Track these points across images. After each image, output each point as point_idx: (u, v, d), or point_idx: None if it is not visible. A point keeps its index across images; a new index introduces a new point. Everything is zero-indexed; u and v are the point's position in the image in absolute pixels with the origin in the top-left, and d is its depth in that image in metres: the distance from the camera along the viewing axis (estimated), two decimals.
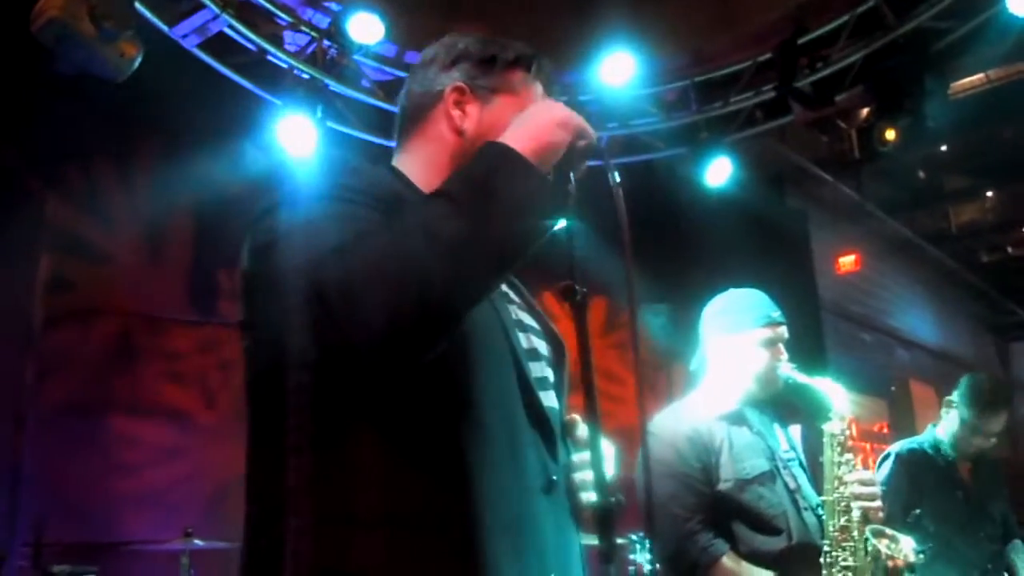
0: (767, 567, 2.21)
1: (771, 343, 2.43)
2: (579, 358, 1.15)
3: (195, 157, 5.06)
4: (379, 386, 1.11)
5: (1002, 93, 9.69)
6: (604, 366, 5.88)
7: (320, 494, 1.10)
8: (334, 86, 5.28)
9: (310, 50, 5.25)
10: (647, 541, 4.34)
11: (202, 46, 4.78)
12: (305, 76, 5.16)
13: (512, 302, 1.41)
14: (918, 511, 3.22)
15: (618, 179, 1.17)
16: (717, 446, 2.32)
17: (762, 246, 7.26)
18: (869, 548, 2.20)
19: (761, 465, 2.32)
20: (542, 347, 1.40)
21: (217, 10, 4.60)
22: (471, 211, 1.07)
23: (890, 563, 2.19)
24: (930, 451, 3.45)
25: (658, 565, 4.34)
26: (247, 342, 1.24)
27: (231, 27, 4.80)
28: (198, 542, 4.02)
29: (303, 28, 5.23)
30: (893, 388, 10.60)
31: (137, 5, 4.24)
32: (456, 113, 1.38)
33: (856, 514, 2.23)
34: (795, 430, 2.54)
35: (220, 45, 4.89)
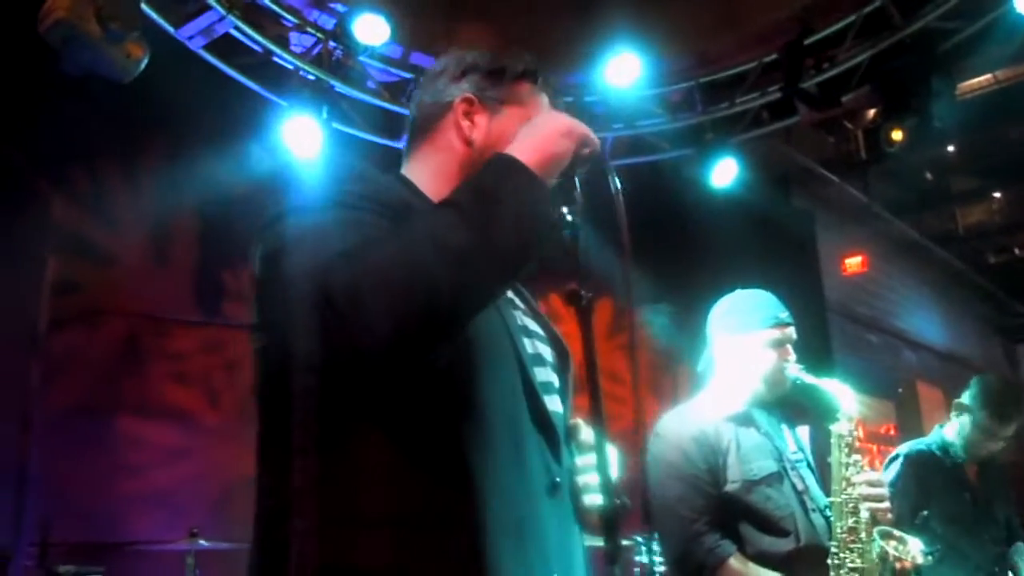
0: (774, 568, 2.20)
1: (779, 344, 2.42)
2: (584, 361, 1.18)
3: (201, 158, 5.07)
4: (385, 388, 1.13)
5: (1009, 94, 9.67)
6: (610, 368, 5.85)
7: (326, 494, 1.12)
8: (340, 87, 5.29)
9: (316, 51, 5.26)
10: (652, 542, 4.33)
11: (208, 47, 4.79)
12: (311, 77, 5.17)
13: (517, 308, 1.43)
14: (926, 512, 3.21)
15: (619, 185, 1.20)
16: (724, 447, 2.31)
17: (768, 247, 7.24)
18: (877, 550, 2.19)
19: (769, 466, 2.31)
20: (547, 352, 1.42)
21: (223, 11, 4.61)
22: (478, 221, 1.10)
23: (898, 565, 2.18)
24: (938, 452, 3.43)
25: (665, 567, 4.34)
26: (256, 345, 1.26)
27: (237, 28, 4.81)
28: (203, 542, 4.02)
29: (309, 29, 5.24)
30: (900, 390, 10.56)
31: (143, 6, 4.25)
32: (465, 123, 1.41)
33: (864, 515, 2.21)
34: (803, 431, 2.53)
35: (226, 46, 4.90)
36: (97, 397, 4.91)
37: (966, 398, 3.41)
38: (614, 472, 1.28)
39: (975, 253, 14.03)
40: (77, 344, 4.94)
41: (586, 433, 1.38)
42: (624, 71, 5.59)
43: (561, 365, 1.45)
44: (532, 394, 1.30)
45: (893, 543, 2.20)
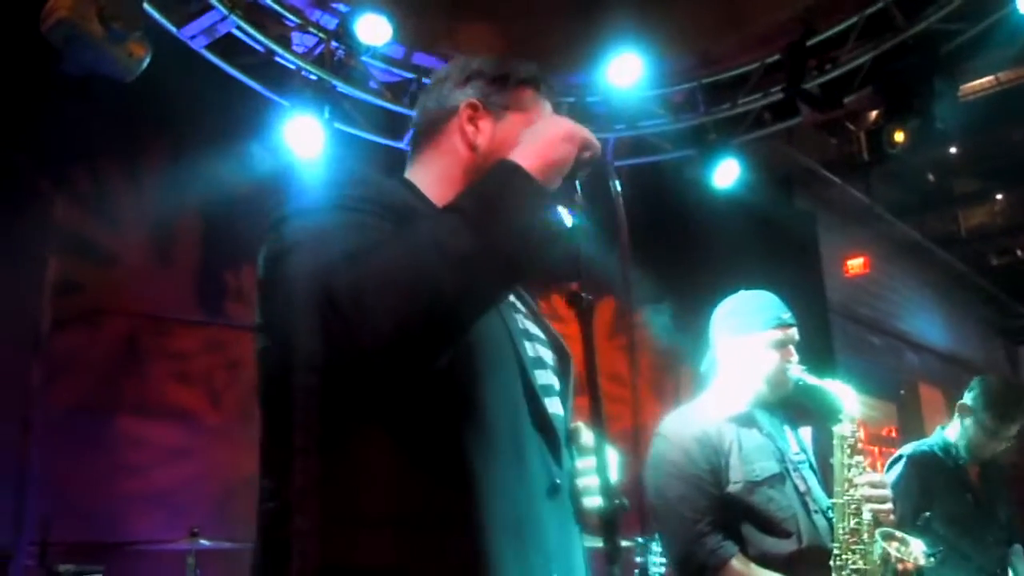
0: (776, 570, 2.19)
1: (781, 345, 2.42)
2: (585, 363, 1.20)
3: (202, 158, 5.07)
4: (388, 389, 1.14)
5: (1012, 95, 9.66)
6: (612, 368, 5.87)
7: (327, 495, 1.13)
8: (342, 87, 5.29)
9: (318, 51, 5.26)
10: (653, 542, 4.33)
11: (210, 47, 4.79)
12: (313, 77, 5.17)
13: (519, 311, 1.44)
14: (928, 514, 3.20)
15: (619, 188, 1.23)
16: (726, 448, 2.31)
17: (770, 248, 7.24)
18: (879, 551, 2.18)
19: (771, 467, 2.30)
20: (547, 355, 1.44)
21: (225, 11, 4.61)
22: (481, 227, 1.11)
23: (900, 566, 2.17)
24: (940, 454, 3.43)
25: (666, 567, 4.34)
26: (261, 345, 1.27)
27: (239, 28, 4.81)
28: (204, 542, 4.02)
29: (311, 29, 5.25)
30: (902, 391, 10.56)
31: (146, 6, 4.25)
32: (470, 128, 1.43)
33: (867, 516, 2.21)
34: (805, 432, 2.53)
35: (228, 46, 4.90)
36: (98, 397, 4.91)
37: (968, 399, 3.40)
38: (614, 474, 1.29)
39: (977, 255, 14.02)
40: (78, 344, 4.94)
41: (587, 436, 1.39)
42: (626, 71, 5.59)
43: (562, 368, 1.46)
44: (533, 397, 1.31)
45: (895, 544, 2.19)
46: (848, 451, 2.30)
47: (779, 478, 2.30)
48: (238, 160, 5.23)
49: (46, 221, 4.87)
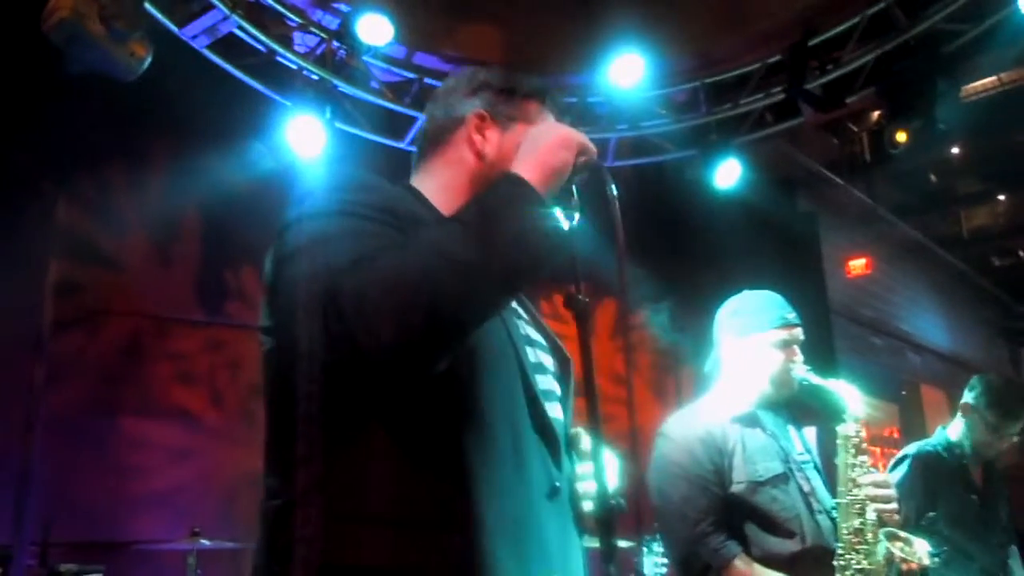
0: (780, 570, 2.19)
1: (786, 345, 2.41)
2: (582, 366, 1.22)
3: (204, 157, 5.07)
4: (389, 392, 1.18)
5: (1014, 96, 9.64)
6: (614, 369, 5.86)
7: (330, 494, 1.15)
8: (343, 87, 5.29)
9: (319, 51, 5.26)
10: (653, 543, 4.33)
11: (212, 47, 4.79)
12: (314, 77, 5.17)
13: (520, 317, 1.47)
14: (933, 514, 3.19)
15: (616, 191, 1.26)
16: (730, 448, 2.31)
17: (772, 249, 7.23)
18: (883, 551, 2.17)
19: (775, 467, 2.30)
20: (548, 361, 1.47)
21: (227, 11, 4.60)
22: (484, 237, 1.14)
23: (904, 566, 2.17)
24: (944, 454, 3.42)
25: (669, 566, 4.33)
26: (267, 347, 1.30)
27: (240, 28, 4.80)
28: (205, 542, 4.02)
29: (312, 29, 5.24)
30: (904, 392, 10.55)
31: (147, 6, 4.25)
32: (478, 138, 1.46)
33: (871, 517, 2.20)
34: (810, 432, 2.52)
35: (229, 46, 4.90)
36: (100, 397, 4.91)
37: (971, 398, 3.39)
38: (614, 478, 1.33)
39: (979, 256, 14.02)
40: (80, 345, 4.94)
41: (587, 442, 1.41)
42: (628, 72, 5.58)
43: (562, 374, 1.49)
44: (533, 401, 1.34)
45: (899, 544, 2.19)
46: (852, 451, 2.29)
47: (783, 478, 2.29)
48: (239, 160, 5.23)
49: (47, 222, 4.87)
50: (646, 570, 4.30)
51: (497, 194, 1.20)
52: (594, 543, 1.15)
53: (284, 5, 5.13)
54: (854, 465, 2.28)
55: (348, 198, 1.25)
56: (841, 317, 9.26)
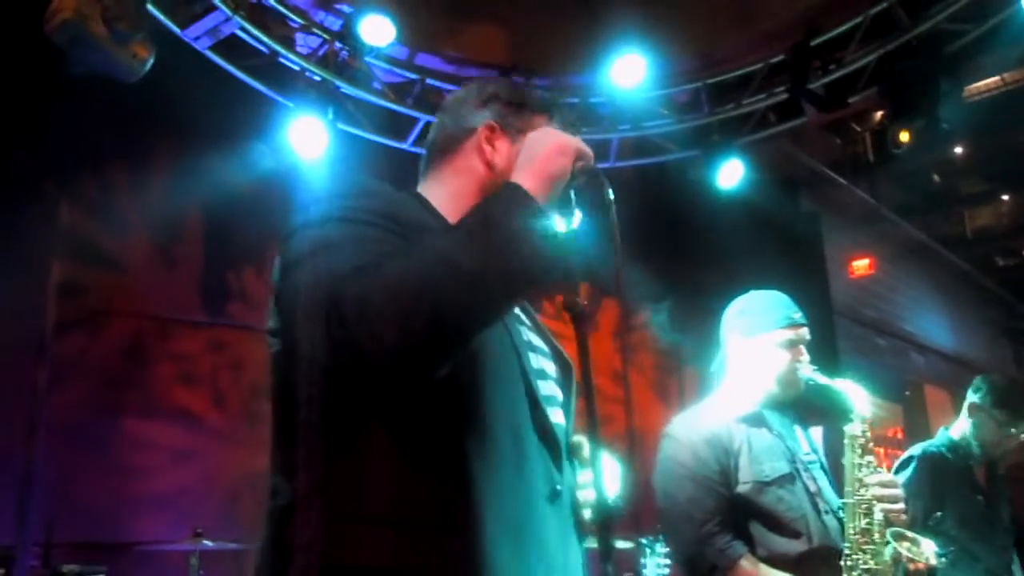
0: (786, 570, 2.18)
1: (792, 344, 2.41)
2: (580, 369, 1.26)
3: (206, 159, 5.08)
4: (391, 395, 1.19)
5: (1018, 96, 9.62)
6: (615, 369, 5.85)
7: (332, 495, 1.17)
8: (345, 88, 5.29)
9: (322, 52, 5.26)
10: (657, 544, 4.33)
11: (214, 48, 4.79)
12: (316, 78, 5.18)
13: (523, 323, 1.50)
14: (940, 514, 3.18)
15: (612, 196, 1.29)
16: (736, 448, 2.30)
17: (775, 249, 7.22)
18: (890, 551, 2.17)
19: (781, 467, 2.29)
20: (550, 367, 1.49)
21: (229, 12, 4.61)
22: (484, 245, 1.16)
23: (911, 566, 2.16)
24: (949, 454, 3.41)
25: (672, 567, 4.33)
26: (274, 349, 1.33)
27: (243, 29, 4.81)
28: (207, 543, 4.02)
29: (315, 30, 5.25)
30: (907, 393, 10.53)
31: (149, 7, 4.26)
32: (488, 148, 1.49)
33: (878, 517, 2.19)
34: (816, 432, 2.52)
35: (232, 47, 4.90)
36: (102, 398, 4.91)
37: (977, 398, 3.39)
38: (614, 482, 1.35)
39: (983, 256, 14.00)
40: (83, 346, 4.94)
41: (588, 450, 1.42)
42: (630, 72, 5.58)
43: (564, 379, 1.51)
44: (535, 406, 1.35)
45: (906, 544, 2.18)
46: (859, 451, 2.28)
47: (789, 478, 2.29)
48: (241, 160, 5.24)
49: (50, 223, 4.88)
50: (648, 571, 4.29)
51: (497, 202, 1.23)
52: (594, 544, 1.17)
53: (286, 6, 5.13)
54: (861, 465, 2.27)
55: (352, 204, 1.27)
56: (844, 318, 9.25)
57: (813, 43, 5.46)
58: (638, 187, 7.01)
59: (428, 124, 5.69)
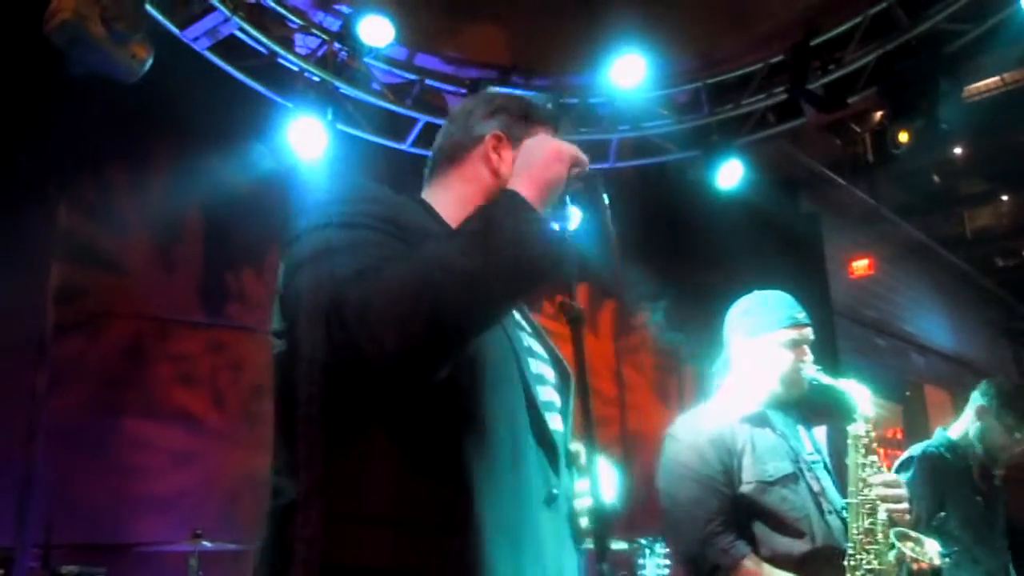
0: (790, 570, 2.18)
1: (796, 344, 2.41)
2: (576, 373, 1.29)
3: (205, 159, 5.07)
4: (390, 397, 1.22)
5: (1017, 96, 9.61)
6: (615, 371, 5.85)
7: (332, 495, 1.19)
8: (344, 89, 5.29)
9: (321, 53, 5.26)
10: (657, 544, 4.33)
11: (213, 49, 4.79)
12: (315, 79, 5.17)
13: (523, 329, 1.52)
14: (943, 514, 3.18)
15: (608, 200, 1.33)
16: (739, 448, 2.30)
17: (775, 250, 7.23)
18: (894, 551, 2.16)
19: (784, 467, 2.29)
20: (549, 373, 1.51)
21: (228, 13, 4.60)
22: (483, 250, 1.19)
23: (915, 566, 2.15)
24: (947, 454, 3.40)
25: (673, 567, 4.33)
26: (277, 350, 1.35)
27: (242, 30, 4.81)
28: (207, 544, 4.02)
29: (314, 31, 5.24)
30: (907, 393, 10.53)
31: (148, 8, 4.25)
32: (494, 156, 1.53)
33: (881, 517, 2.19)
34: (820, 432, 2.51)
35: (231, 48, 4.90)
36: (102, 400, 4.90)
37: (985, 402, 3.38)
38: (610, 485, 1.39)
39: (983, 256, 14.00)
40: (82, 348, 4.94)
41: (586, 457, 1.44)
42: (629, 72, 5.58)
43: (563, 386, 1.53)
44: (534, 411, 1.38)
45: (910, 544, 2.17)
46: (863, 451, 2.27)
47: (792, 478, 2.29)
48: (240, 161, 5.24)
49: (49, 225, 4.87)
50: (648, 571, 4.30)
51: (496, 207, 1.26)
52: (590, 545, 1.20)
53: (285, 7, 5.13)
54: (864, 465, 2.26)
55: (354, 209, 1.29)
56: (844, 318, 9.25)
57: (812, 43, 5.46)
58: (638, 187, 7.01)
59: (427, 125, 5.69)
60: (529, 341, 1.50)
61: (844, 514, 2.28)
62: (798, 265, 7.61)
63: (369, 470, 1.21)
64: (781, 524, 2.23)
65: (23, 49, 4.16)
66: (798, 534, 2.22)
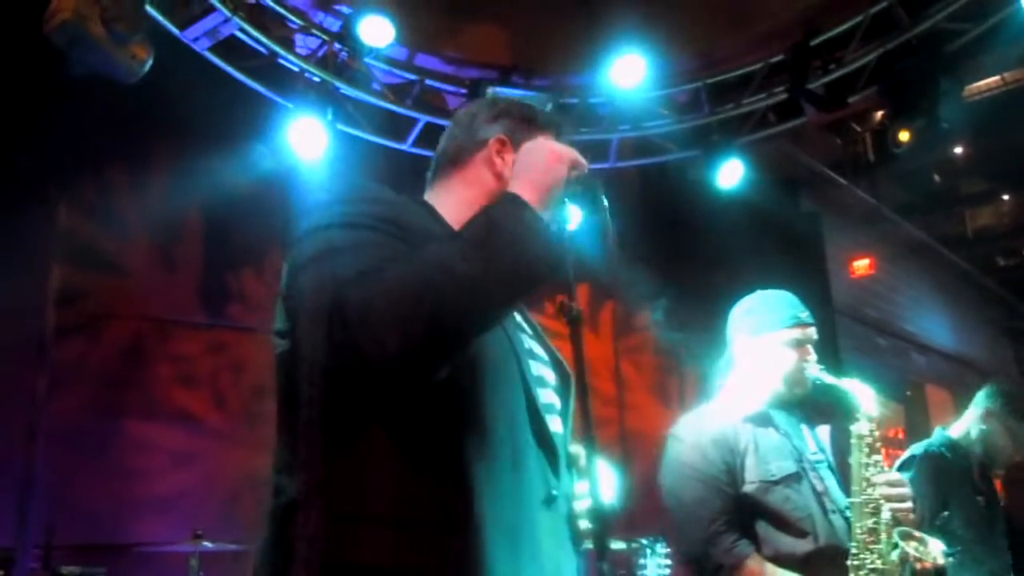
0: (793, 569, 2.18)
1: (799, 344, 2.40)
2: (576, 374, 1.30)
3: (205, 160, 5.07)
4: (390, 398, 1.23)
5: (1018, 95, 9.61)
6: (617, 371, 5.85)
7: (332, 494, 1.20)
8: (345, 89, 5.29)
9: (321, 53, 5.26)
10: (658, 544, 4.33)
11: (213, 49, 4.79)
12: (316, 79, 5.17)
13: (524, 332, 1.54)
14: (947, 513, 3.17)
15: (607, 202, 1.35)
16: (742, 448, 2.30)
17: (776, 249, 7.22)
18: (897, 551, 2.16)
19: (787, 467, 2.29)
20: (549, 376, 1.53)
21: (228, 13, 4.60)
22: (484, 252, 1.21)
23: (918, 566, 2.14)
24: (947, 454, 3.40)
25: (674, 567, 4.32)
26: (279, 349, 1.36)
27: (242, 30, 4.80)
28: (207, 544, 4.02)
29: (314, 31, 5.24)
30: (908, 393, 10.52)
31: (148, 8, 4.25)
32: (498, 160, 1.54)
33: (885, 516, 2.18)
34: (824, 431, 2.51)
35: (231, 48, 4.90)
36: (102, 401, 4.91)
37: (991, 405, 3.37)
38: (610, 486, 1.39)
39: (984, 256, 13.99)
40: (83, 349, 4.94)
41: (585, 460, 1.45)
42: (630, 72, 5.57)
43: (563, 388, 1.54)
44: (534, 412, 1.39)
45: (914, 544, 2.16)
46: (866, 450, 2.26)
47: (796, 477, 2.28)
48: (241, 161, 5.23)
49: (50, 227, 4.87)
50: (648, 571, 4.29)
51: (496, 210, 1.28)
52: (590, 545, 1.22)
53: (285, 7, 5.13)
54: (868, 464, 2.25)
55: (357, 210, 1.30)
56: (845, 317, 9.24)
57: (813, 43, 5.45)
58: (638, 187, 7.01)
59: (427, 125, 5.69)
60: (530, 343, 1.52)
61: (848, 514, 2.27)
62: (799, 265, 7.60)
63: (369, 470, 1.22)
64: (784, 524, 2.23)
65: (23, 49, 4.16)
66: (801, 534, 2.22)
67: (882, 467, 2.25)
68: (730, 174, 5.88)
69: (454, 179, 1.57)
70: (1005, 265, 14.45)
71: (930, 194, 13.24)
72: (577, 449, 1.48)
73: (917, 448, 3.44)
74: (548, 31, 5.71)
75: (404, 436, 1.23)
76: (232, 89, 4.99)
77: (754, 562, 2.19)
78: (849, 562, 2.19)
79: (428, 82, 5.78)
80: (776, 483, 2.26)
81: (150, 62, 4.13)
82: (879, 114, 6.01)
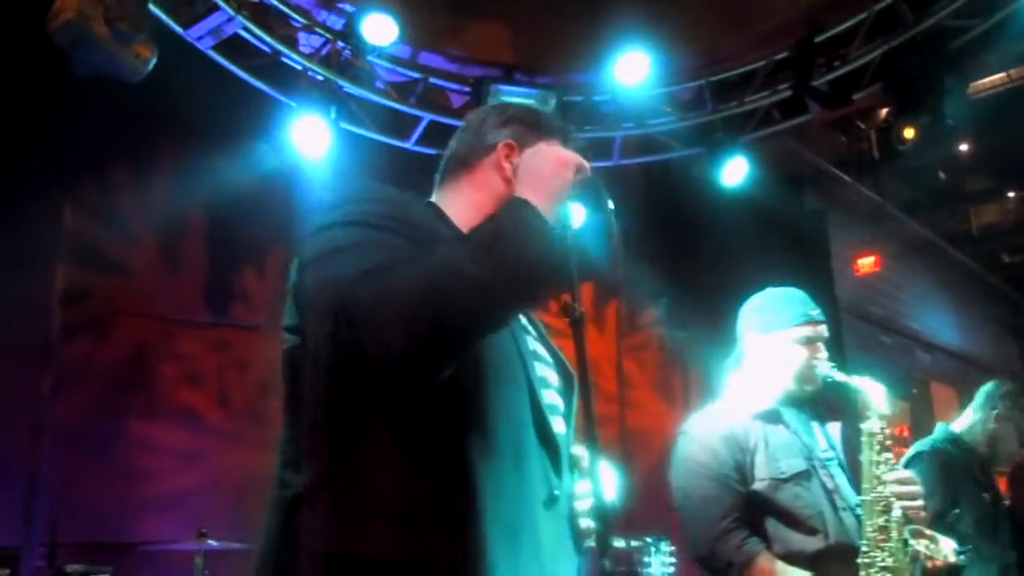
0: (803, 567, 2.18)
1: (809, 341, 2.40)
2: (578, 375, 1.33)
3: (209, 158, 5.07)
4: (394, 395, 1.24)
5: (1023, 92, 9.58)
6: (620, 370, 5.84)
7: (335, 489, 1.22)
8: (348, 87, 5.29)
9: (324, 52, 5.26)
10: (662, 543, 4.33)
11: (217, 48, 4.79)
12: (319, 78, 5.17)
13: (529, 334, 1.55)
14: (958, 511, 3.16)
15: (612, 204, 1.37)
16: (752, 445, 2.29)
17: (780, 247, 7.20)
18: (908, 549, 2.15)
19: (798, 464, 2.29)
20: (553, 377, 1.54)
21: (231, 12, 4.61)
22: (490, 255, 1.22)
23: (929, 564, 2.14)
24: (951, 450, 3.39)
25: (680, 565, 4.32)
26: (287, 345, 1.38)
27: (245, 29, 4.81)
28: (212, 542, 4.03)
29: (317, 30, 5.25)
30: (914, 391, 10.50)
31: (152, 7, 4.25)
32: (506, 164, 1.56)
33: (896, 514, 2.17)
34: (835, 428, 2.50)
35: (235, 47, 4.90)
36: (107, 401, 4.92)
37: (1003, 407, 3.36)
38: (612, 486, 1.38)
39: (989, 253, 13.95)
40: (88, 349, 4.95)
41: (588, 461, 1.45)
42: (633, 70, 5.57)
43: (566, 390, 1.55)
44: (538, 413, 1.40)
45: (925, 542, 2.16)
46: (877, 448, 2.25)
47: (806, 475, 2.28)
48: (244, 160, 5.24)
49: (54, 227, 4.87)
50: (653, 569, 4.29)
51: (504, 216, 1.29)
52: (592, 543, 1.23)
53: (289, 6, 5.13)
54: (879, 462, 2.24)
55: (365, 209, 1.31)
56: (850, 315, 9.22)
57: (817, 40, 5.44)
58: (642, 185, 7.00)
59: (431, 123, 5.69)
60: (534, 345, 1.53)
61: (858, 511, 2.26)
62: (803, 262, 7.58)
63: (373, 467, 1.23)
64: (794, 521, 2.23)
65: (26, 50, 4.17)
66: (811, 531, 2.22)
67: (892, 465, 2.24)
68: (734, 172, 5.87)
69: (463, 182, 1.59)
70: (1010, 262, 14.40)
71: (935, 191, 13.21)
72: (579, 450, 1.49)
73: (923, 445, 3.43)
74: (552, 29, 5.70)
75: (408, 434, 1.24)
76: (236, 88, 4.99)
77: (764, 560, 2.19)
78: (859, 560, 2.18)
79: (432, 80, 5.78)
80: (786, 481, 2.25)
81: (154, 61, 4.13)
82: (884, 111, 6.01)
